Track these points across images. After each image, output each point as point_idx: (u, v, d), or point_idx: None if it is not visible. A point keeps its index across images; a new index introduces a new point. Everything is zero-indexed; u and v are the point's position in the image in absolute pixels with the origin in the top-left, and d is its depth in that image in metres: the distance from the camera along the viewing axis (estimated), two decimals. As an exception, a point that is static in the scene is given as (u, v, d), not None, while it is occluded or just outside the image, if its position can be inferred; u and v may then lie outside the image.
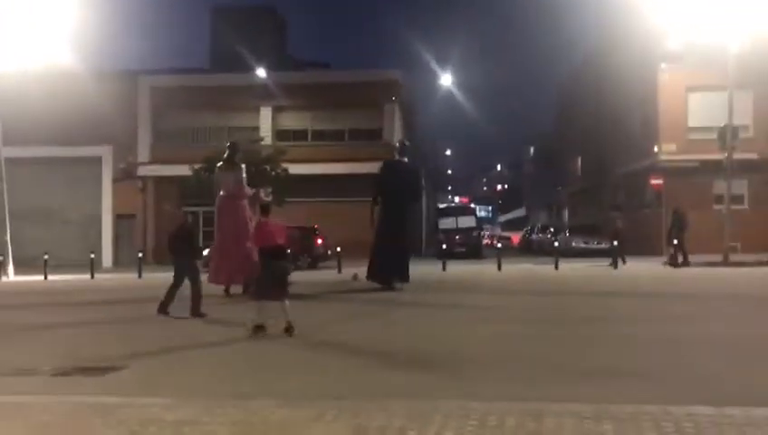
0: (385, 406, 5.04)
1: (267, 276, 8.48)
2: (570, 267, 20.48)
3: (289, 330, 8.27)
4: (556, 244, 20.91)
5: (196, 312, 10.59)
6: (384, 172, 15.36)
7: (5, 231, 23.29)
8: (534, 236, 39.65)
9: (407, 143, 16.14)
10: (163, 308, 10.75)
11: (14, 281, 22.40)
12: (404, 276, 14.93)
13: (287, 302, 8.36)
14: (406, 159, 15.49)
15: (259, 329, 8.33)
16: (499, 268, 19.42)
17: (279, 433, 4.52)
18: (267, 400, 5.33)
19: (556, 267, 18.88)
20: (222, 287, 13.61)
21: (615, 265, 20.09)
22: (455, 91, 39.09)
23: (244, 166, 13.79)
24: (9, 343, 7.31)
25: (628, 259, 20.84)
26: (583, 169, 45.04)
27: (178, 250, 10.96)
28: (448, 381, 5.99)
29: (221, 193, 13.48)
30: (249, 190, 13.72)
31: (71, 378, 6.39)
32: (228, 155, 13.73)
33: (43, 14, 23.57)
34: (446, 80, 33.98)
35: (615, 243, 20.64)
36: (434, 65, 69.67)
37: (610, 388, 5.58)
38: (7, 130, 24.93)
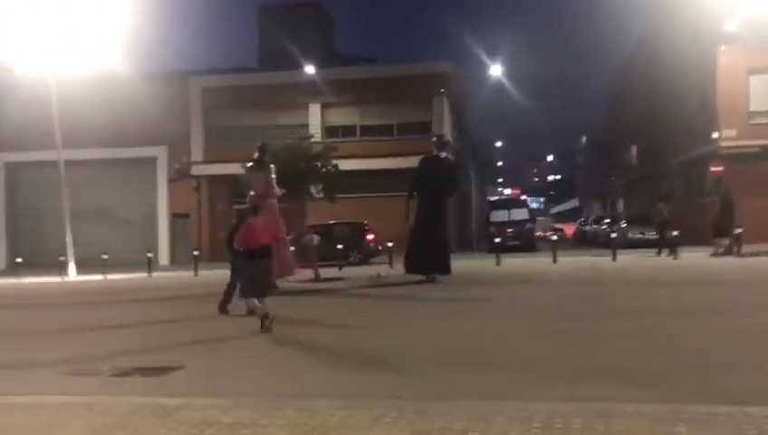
0: (445, 407, 4.90)
1: (252, 274, 8.74)
2: (628, 259, 19.94)
3: (264, 323, 8.45)
4: (613, 235, 20.34)
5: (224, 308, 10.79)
6: (422, 167, 15.63)
7: (66, 232, 23.91)
8: (589, 228, 38.83)
9: (444, 138, 16.27)
10: (223, 307, 10.80)
11: (75, 280, 22.99)
12: (444, 269, 15.08)
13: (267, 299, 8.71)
14: (444, 154, 15.67)
15: (266, 317, 8.53)
16: (554, 261, 19.04)
17: (338, 437, 4.40)
18: (325, 400, 5.25)
19: (614, 259, 18.40)
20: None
21: (675, 254, 19.56)
22: (504, 81, 38.39)
23: (273, 166, 13.73)
24: (71, 343, 7.42)
25: (683, 249, 20.15)
26: (639, 158, 43.90)
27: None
28: (505, 382, 5.80)
29: (251, 193, 13.49)
30: (278, 190, 13.75)
31: (130, 378, 6.42)
32: (258, 155, 13.75)
33: (96, 19, 24.07)
34: (495, 70, 33.45)
35: (674, 233, 20.14)
36: (483, 56, 68.82)
37: (685, 385, 5.31)
38: (66, 134, 25.59)
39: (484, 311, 10.29)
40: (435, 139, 16.38)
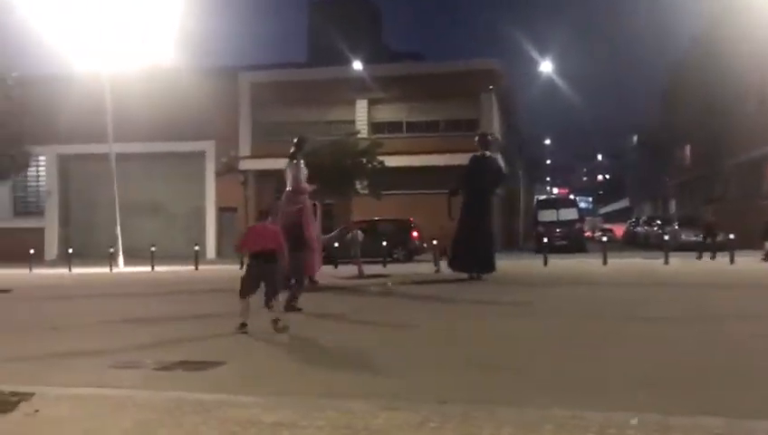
0: (492, 413, 4.71)
1: (252, 277, 8.54)
2: (680, 262, 19.32)
3: (276, 324, 8.25)
4: (666, 237, 19.69)
5: (290, 306, 10.57)
6: (471, 166, 15.80)
7: (116, 223, 24.35)
8: (640, 229, 37.89)
9: (488, 135, 16.35)
10: (289, 305, 10.62)
11: (123, 271, 23.39)
12: (488, 267, 15.26)
13: (277, 301, 8.45)
14: (489, 153, 15.94)
15: (243, 326, 8.33)
16: (605, 262, 18.54)
17: (381, 440, 4.25)
18: (368, 401, 5.11)
19: (666, 262, 17.82)
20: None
21: (714, 256, 19.81)
22: (554, 78, 37.75)
23: (302, 162, 13.50)
24: (116, 334, 7.46)
25: (735, 254, 19.63)
26: (692, 158, 42.69)
27: (293, 243, 10.92)
28: (554, 388, 5.57)
29: (288, 189, 13.34)
30: (307, 186, 13.47)
31: (172, 373, 6.39)
32: (293, 150, 13.58)
33: (147, 14, 24.42)
34: (545, 67, 32.92)
35: (719, 236, 20.43)
36: (532, 52, 67.61)
37: (751, 398, 5.01)
38: (117, 127, 26.08)
39: (531, 313, 10.02)
40: (477, 137, 16.39)
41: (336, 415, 4.79)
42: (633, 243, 37.52)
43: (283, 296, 8.78)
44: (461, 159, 28.98)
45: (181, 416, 4.87)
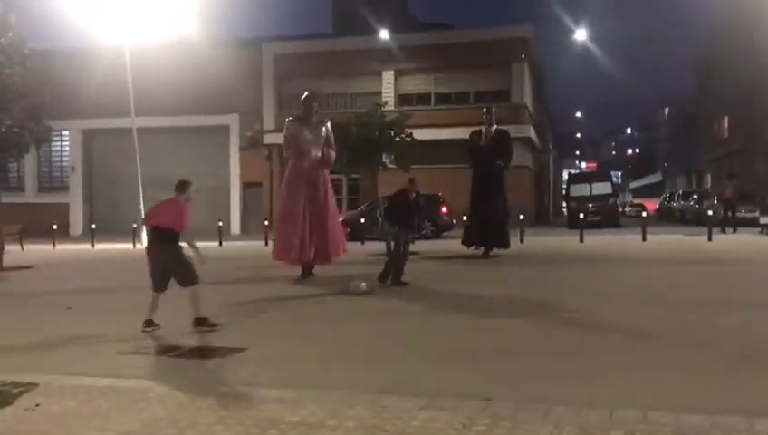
0: (547, 414, 4.11)
1: (151, 262, 7.17)
2: (725, 238, 18.43)
3: (201, 323, 6.98)
4: (710, 213, 18.74)
5: (397, 280, 10.22)
6: (472, 140, 15.35)
7: (139, 199, 24.01)
8: (675, 204, 36.75)
9: (493, 109, 15.56)
10: (397, 280, 10.26)
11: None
12: (501, 242, 14.82)
13: (194, 289, 7.08)
14: (495, 126, 15.19)
15: (150, 323, 7.00)
16: (644, 239, 17.69)
17: (420, 447, 3.66)
18: (404, 398, 4.53)
19: (710, 238, 16.94)
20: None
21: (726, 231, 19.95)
22: (588, 46, 36.40)
23: (328, 123, 12.31)
24: (133, 315, 6.95)
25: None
26: (730, 132, 41.22)
27: (399, 218, 10.40)
28: (612, 383, 4.94)
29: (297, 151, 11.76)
30: (329, 153, 12.06)
31: (188, 361, 5.88)
32: (303, 109, 12.29)
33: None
34: (580, 35, 31.57)
35: (737, 212, 21.47)
36: (565, 19, 65.51)
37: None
38: (140, 101, 25.65)
39: (579, 294, 9.33)
40: (484, 109, 15.66)
41: (368, 413, 4.24)
42: (668, 218, 36.41)
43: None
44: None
45: (195, 413, 4.36)
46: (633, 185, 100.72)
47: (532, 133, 31.48)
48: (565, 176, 54.99)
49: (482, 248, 15.03)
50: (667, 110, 77.18)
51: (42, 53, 17.73)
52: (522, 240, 18.55)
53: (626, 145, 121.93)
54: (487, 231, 14.74)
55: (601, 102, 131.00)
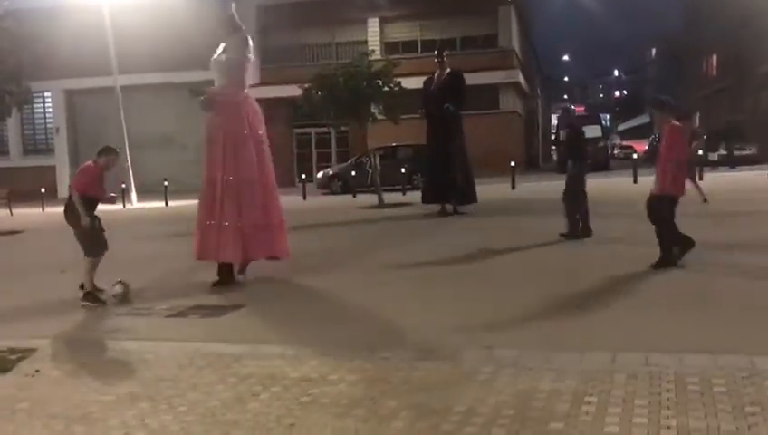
0: (548, 360, 4.11)
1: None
2: (721, 176, 18.41)
3: (86, 297, 6.56)
4: (700, 152, 18.67)
5: (586, 231, 8.97)
6: (426, 89, 13.78)
7: (125, 158, 23.74)
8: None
9: (445, 51, 14.06)
10: (573, 232, 9.00)
11: (136, 207, 22.95)
12: (469, 196, 13.27)
13: (91, 261, 6.67)
14: (448, 70, 13.58)
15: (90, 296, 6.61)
16: (635, 181, 17.68)
17: (426, 397, 3.65)
18: (406, 350, 4.53)
19: (700, 178, 16.88)
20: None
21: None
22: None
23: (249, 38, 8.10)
24: (129, 276, 6.89)
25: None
26: (719, 70, 40.98)
27: (572, 155, 9.16)
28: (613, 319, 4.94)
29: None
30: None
31: (186, 320, 5.85)
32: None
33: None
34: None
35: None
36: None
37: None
38: (121, 58, 25.13)
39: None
40: (436, 52, 14.09)
41: (370, 367, 4.23)
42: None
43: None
44: (479, 77, 28.10)
45: (196, 373, 4.33)
46: (621, 127, 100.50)
47: (520, 78, 31.19)
48: (554, 121, 54.71)
49: (448, 206, 13.48)
50: (654, 50, 76.60)
51: (18, 13, 17.29)
52: (513, 186, 18.53)
53: (613, 87, 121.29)
54: (448, 186, 13.16)
55: (588, 44, 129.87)
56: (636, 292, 5.93)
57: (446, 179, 13.07)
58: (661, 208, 6.63)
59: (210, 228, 7.23)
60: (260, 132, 7.70)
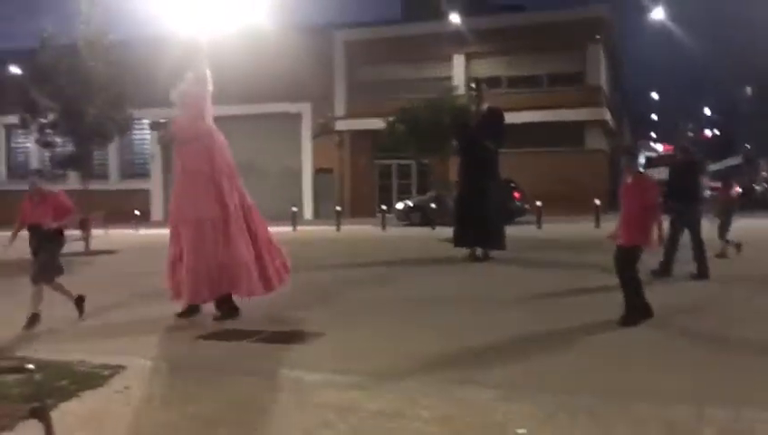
0: (628, 411, 4.01)
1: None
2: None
3: (32, 321, 6.84)
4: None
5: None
6: (458, 126, 13.16)
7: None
8: (758, 187, 35.23)
9: (483, 85, 13.08)
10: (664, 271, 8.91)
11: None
12: (494, 243, 12.17)
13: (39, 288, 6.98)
14: (487, 105, 12.50)
15: (35, 317, 6.91)
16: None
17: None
18: (481, 389, 4.51)
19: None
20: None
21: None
22: (667, 25, 35.02)
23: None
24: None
25: None
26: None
27: (682, 193, 8.75)
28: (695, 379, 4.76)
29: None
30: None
31: (267, 345, 5.99)
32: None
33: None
34: (657, 14, 30.43)
35: None
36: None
37: None
38: (213, 89, 26.24)
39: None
40: (474, 85, 13.09)
41: (446, 404, 4.22)
42: (756, 203, 34.92)
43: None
44: (565, 114, 27.79)
45: (272, 398, 4.44)
46: (713, 167, 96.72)
47: (607, 116, 30.61)
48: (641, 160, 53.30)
49: (479, 250, 12.33)
50: (748, 88, 73.66)
51: (121, 44, 18.30)
52: (597, 225, 18.16)
53: (703, 126, 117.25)
54: (480, 229, 12.06)
55: (680, 82, 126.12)
56: None
57: (478, 223, 12.02)
58: (631, 261, 6.36)
59: (174, 266, 7.30)
60: (223, 165, 7.59)
